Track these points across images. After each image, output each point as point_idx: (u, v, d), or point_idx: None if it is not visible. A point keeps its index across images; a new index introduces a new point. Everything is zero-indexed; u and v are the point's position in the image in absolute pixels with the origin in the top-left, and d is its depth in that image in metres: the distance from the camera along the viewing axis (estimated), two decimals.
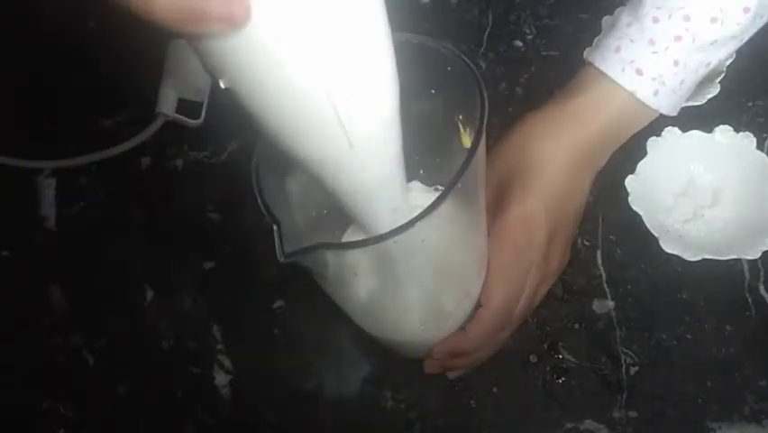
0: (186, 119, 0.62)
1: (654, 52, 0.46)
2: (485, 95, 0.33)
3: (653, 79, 0.46)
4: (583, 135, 0.47)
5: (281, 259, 0.32)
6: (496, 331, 0.45)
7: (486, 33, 0.66)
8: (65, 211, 0.61)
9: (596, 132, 0.47)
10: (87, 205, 0.61)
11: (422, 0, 0.69)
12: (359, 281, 0.39)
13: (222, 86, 0.26)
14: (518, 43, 0.66)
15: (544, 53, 0.65)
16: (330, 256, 0.35)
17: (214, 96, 0.63)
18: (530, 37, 0.66)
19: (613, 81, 0.47)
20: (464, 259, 0.42)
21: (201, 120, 0.63)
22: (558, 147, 0.47)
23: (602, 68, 0.47)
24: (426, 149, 0.37)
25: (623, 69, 0.46)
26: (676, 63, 0.46)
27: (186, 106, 0.63)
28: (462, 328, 0.44)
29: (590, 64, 0.48)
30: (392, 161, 0.31)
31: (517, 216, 0.45)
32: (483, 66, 0.65)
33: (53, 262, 0.58)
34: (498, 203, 0.46)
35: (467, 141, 0.38)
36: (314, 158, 0.29)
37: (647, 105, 0.47)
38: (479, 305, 0.44)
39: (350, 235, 0.43)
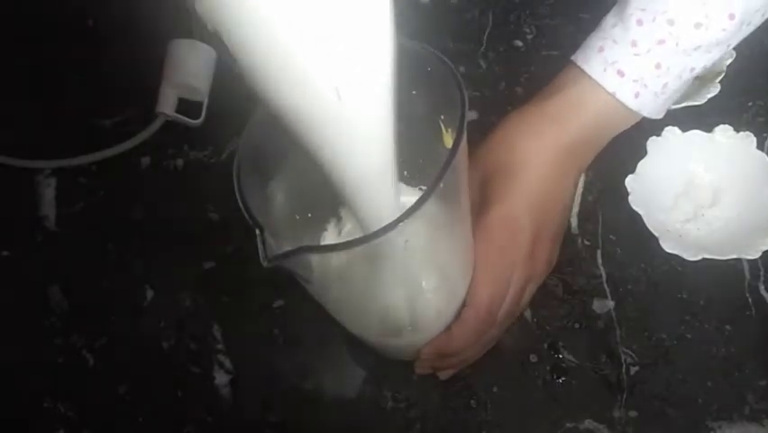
0: (186, 119, 0.62)
1: (636, 54, 0.46)
2: (465, 94, 0.33)
3: (635, 81, 0.46)
4: (565, 134, 0.47)
5: (265, 263, 0.32)
6: (481, 330, 0.45)
7: (486, 33, 0.66)
8: (65, 211, 0.61)
9: (577, 131, 0.47)
10: (87, 205, 0.61)
11: (422, 0, 0.69)
12: (344, 284, 0.39)
13: (209, 28, 0.26)
14: (518, 43, 0.66)
15: (544, 53, 0.65)
16: (314, 259, 0.35)
17: (214, 96, 0.63)
18: (530, 37, 0.66)
19: (594, 81, 0.47)
20: (449, 259, 0.42)
21: (201, 120, 0.63)
22: (540, 146, 0.47)
23: (584, 67, 0.47)
24: (409, 150, 0.37)
25: (604, 70, 0.46)
26: (658, 66, 0.46)
27: (186, 106, 0.63)
28: (449, 329, 0.44)
29: (573, 63, 0.48)
30: (381, 123, 0.30)
31: (500, 215, 0.45)
32: (483, 66, 0.65)
33: (53, 262, 0.58)
34: (481, 203, 0.46)
35: (449, 141, 0.38)
36: (301, 111, 0.28)
37: (629, 108, 0.47)
38: (465, 305, 0.44)
39: (328, 238, 0.43)
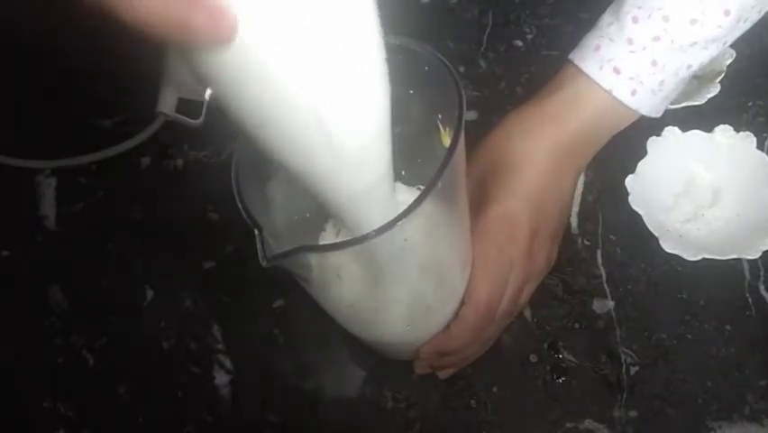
0: (186, 119, 0.62)
1: (632, 52, 0.46)
2: (462, 93, 0.33)
3: (631, 79, 0.46)
4: (563, 133, 0.47)
5: (264, 263, 0.32)
6: (480, 329, 0.45)
7: (486, 33, 0.66)
8: (65, 211, 0.61)
9: (575, 130, 0.47)
10: (87, 205, 0.61)
11: (422, 0, 0.69)
12: (342, 283, 0.39)
13: (207, 94, 0.27)
14: (518, 43, 0.66)
15: (544, 53, 0.65)
16: (313, 259, 0.35)
17: (214, 95, 0.63)
18: (530, 37, 0.66)
19: (591, 79, 0.47)
20: (448, 257, 0.42)
21: (201, 120, 0.62)
22: (538, 146, 0.47)
23: (581, 66, 0.47)
24: (407, 150, 0.38)
25: (601, 68, 0.46)
26: (654, 63, 0.46)
27: (186, 106, 0.63)
28: (448, 328, 0.44)
29: (570, 62, 0.48)
30: (379, 173, 0.31)
31: (498, 214, 0.45)
32: (483, 66, 0.65)
33: (53, 262, 0.58)
34: (479, 201, 0.46)
35: (447, 140, 0.38)
36: (298, 169, 0.29)
37: (626, 105, 0.47)
38: (464, 303, 0.44)
39: (327, 237, 0.43)
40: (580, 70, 0.47)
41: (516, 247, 0.45)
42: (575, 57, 0.48)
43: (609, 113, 0.48)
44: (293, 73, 0.25)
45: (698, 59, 0.46)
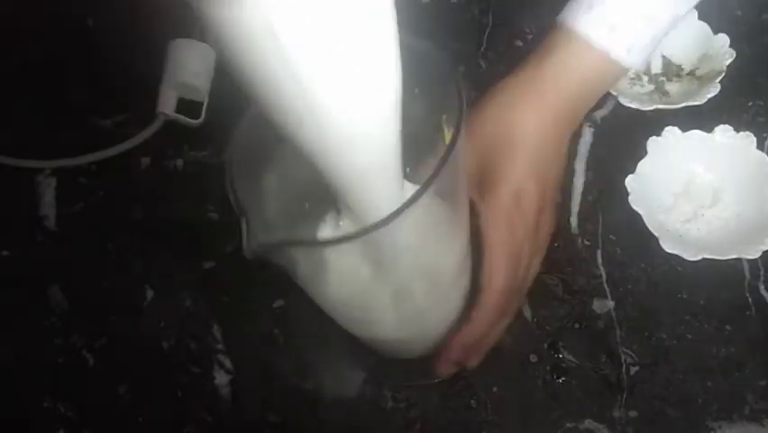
0: (186, 119, 0.62)
1: (625, 9, 0.46)
2: (462, 93, 0.33)
3: (626, 37, 0.46)
4: (561, 100, 0.47)
5: (247, 254, 0.31)
6: (501, 312, 0.45)
7: (486, 33, 0.66)
8: (65, 211, 0.61)
9: (573, 93, 0.48)
10: (87, 205, 0.61)
11: (422, 0, 0.69)
12: (336, 279, 0.39)
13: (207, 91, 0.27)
14: (518, 43, 0.66)
15: None
16: (300, 253, 0.35)
17: (213, 96, 0.63)
18: (530, 37, 0.66)
19: (586, 40, 0.47)
20: (445, 256, 0.42)
21: (201, 120, 0.62)
22: (540, 117, 0.47)
23: (575, 27, 0.47)
24: (412, 148, 0.38)
25: (595, 26, 0.47)
26: (646, 18, 0.46)
27: (186, 106, 0.63)
28: (455, 324, 0.44)
29: (562, 24, 0.48)
30: (388, 150, 0.31)
31: (510, 191, 0.45)
32: (483, 66, 0.65)
33: (53, 262, 0.58)
34: (485, 179, 0.46)
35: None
36: (310, 143, 0.30)
37: (620, 64, 0.47)
38: (463, 303, 0.44)
39: (327, 230, 0.43)
40: (573, 32, 0.47)
41: (527, 224, 0.45)
42: (566, 18, 0.48)
43: (605, 72, 0.48)
44: (305, 45, 0.25)
45: (685, 6, 0.48)
